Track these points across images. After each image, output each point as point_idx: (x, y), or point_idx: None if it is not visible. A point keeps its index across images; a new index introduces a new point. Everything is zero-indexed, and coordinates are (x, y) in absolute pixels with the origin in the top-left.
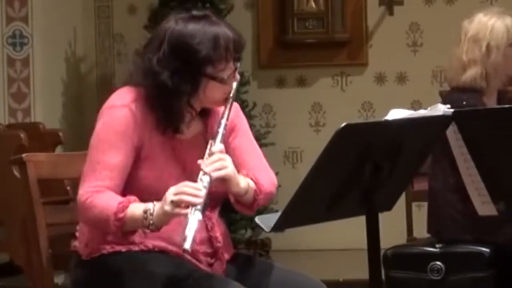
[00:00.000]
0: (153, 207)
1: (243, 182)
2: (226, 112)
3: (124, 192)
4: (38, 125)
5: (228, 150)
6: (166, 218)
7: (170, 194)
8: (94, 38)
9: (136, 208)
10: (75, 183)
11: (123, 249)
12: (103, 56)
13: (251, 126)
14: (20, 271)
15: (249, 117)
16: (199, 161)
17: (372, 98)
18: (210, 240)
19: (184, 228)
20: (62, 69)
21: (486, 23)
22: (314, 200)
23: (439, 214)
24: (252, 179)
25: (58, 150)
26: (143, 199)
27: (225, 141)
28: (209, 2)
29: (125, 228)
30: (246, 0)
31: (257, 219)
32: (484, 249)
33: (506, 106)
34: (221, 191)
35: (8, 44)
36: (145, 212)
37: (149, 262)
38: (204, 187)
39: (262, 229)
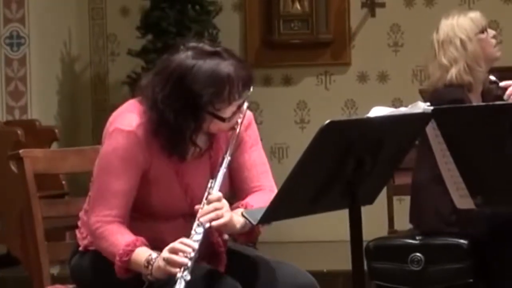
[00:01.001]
0: (155, 258)
1: (239, 222)
2: (230, 148)
3: (132, 215)
4: (35, 122)
5: (232, 164)
6: (161, 272)
7: (166, 250)
8: (88, 38)
9: (140, 255)
10: (70, 177)
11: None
12: (97, 55)
13: None
14: (18, 262)
15: None
16: (196, 207)
17: (355, 96)
18: (211, 245)
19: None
20: (58, 68)
21: (451, 23)
22: (299, 194)
23: (422, 206)
24: None
25: (54, 146)
26: (150, 221)
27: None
28: (198, 4)
29: (128, 267)
30: (234, 2)
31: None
32: (462, 241)
33: (483, 104)
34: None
35: (6, 44)
36: (148, 262)
37: None
38: (197, 241)
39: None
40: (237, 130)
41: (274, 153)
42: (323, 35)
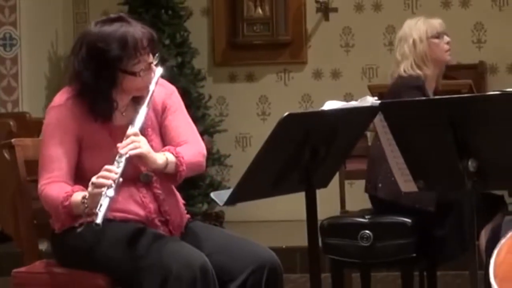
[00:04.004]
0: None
1: (161, 158)
2: (147, 100)
3: (77, 183)
4: (25, 115)
5: (161, 128)
6: (92, 199)
7: (94, 177)
8: (73, 39)
9: (78, 195)
10: None
11: (88, 219)
12: None
13: (207, 115)
14: (10, 239)
15: (205, 108)
16: (118, 145)
17: (311, 91)
18: (160, 212)
19: (98, 205)
20: (46, 67)
21: (411, 24)
22: (261, 178)
23: (377, 177)
24: (172, 153)
25: None
26: None
27: (158, 121)
28: (171, 9)
29: (73, 213)
30: (202, 8)
31: (212, 195)
32: (406, 219)
33: (424, 98)
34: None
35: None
36: (83, 198)
37: (111, 228)
38: (119, 167)
39: (217, 203)
40: (152, 87)
41: (238, 142)
42: (282, 36)
